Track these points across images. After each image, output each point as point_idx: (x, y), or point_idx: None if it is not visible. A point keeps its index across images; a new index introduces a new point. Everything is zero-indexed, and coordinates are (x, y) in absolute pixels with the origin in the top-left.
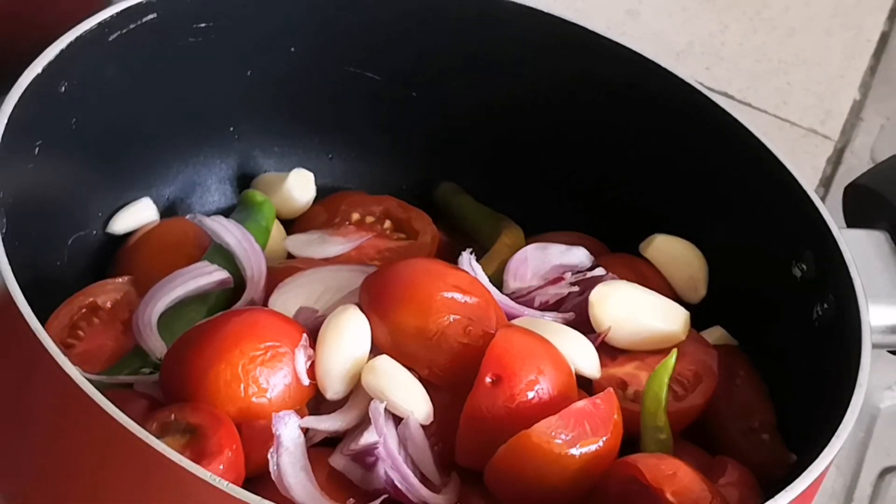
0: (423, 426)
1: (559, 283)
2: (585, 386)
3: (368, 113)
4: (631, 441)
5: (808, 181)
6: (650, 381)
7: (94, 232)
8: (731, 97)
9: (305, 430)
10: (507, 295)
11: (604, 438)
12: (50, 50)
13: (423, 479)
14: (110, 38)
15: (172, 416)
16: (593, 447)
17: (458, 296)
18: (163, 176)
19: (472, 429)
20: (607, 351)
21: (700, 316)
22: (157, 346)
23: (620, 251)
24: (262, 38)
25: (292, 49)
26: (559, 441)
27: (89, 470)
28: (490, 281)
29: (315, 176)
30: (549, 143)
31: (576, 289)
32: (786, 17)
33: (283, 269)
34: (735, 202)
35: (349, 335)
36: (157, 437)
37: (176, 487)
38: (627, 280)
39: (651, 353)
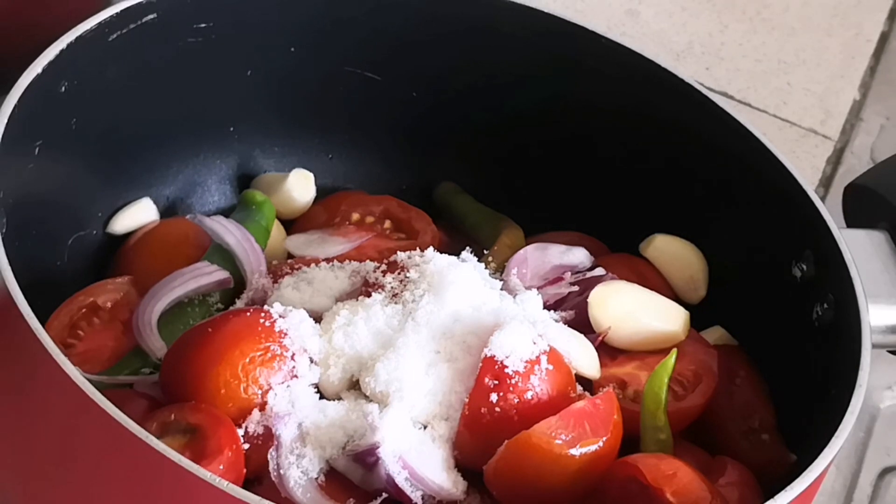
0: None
1: (559, 283)
2: (585, 386)
3: (368, 113)
4: (631, 441)
5: (808, 181)
6: (650, 381)
7: (94, 232)
8: (731, 97)
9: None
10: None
11: (604, 439)
12: (50, 50)
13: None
14: (110, 38)
15: (172, 416)
16: (593, 447)
17: None
18: (163, 176)
19: (472, 429)
20: (607, 351)
21: (700, 316)
22: (157, 346)
23: (620, 251)
24: (262, 38)
25: (292, 49)
26: (559, 441)
27: (89, 470)
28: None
29: (315, 176)
30: (548, 143)
31: (576, 289)
32: (786, 17)
33: (283, 268)
34: (735, 202)
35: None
36: (157, 437)
37: (176, 487)
38: (627, 280)
39: (651, 353)
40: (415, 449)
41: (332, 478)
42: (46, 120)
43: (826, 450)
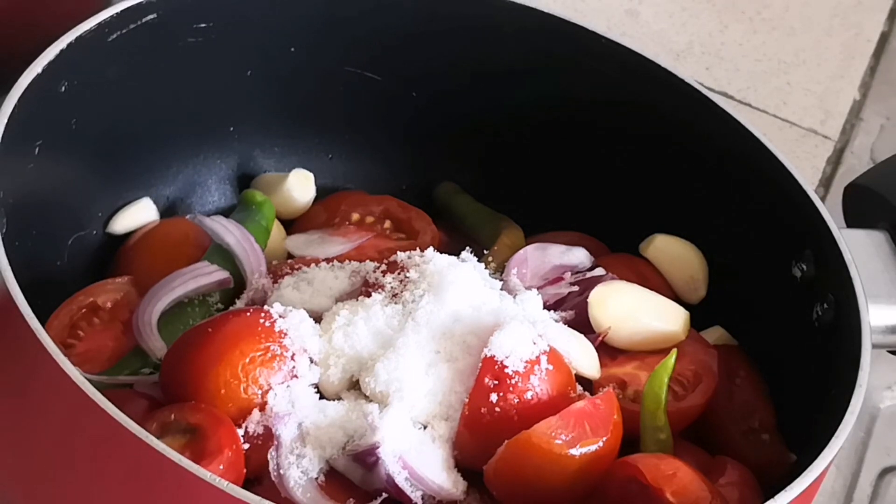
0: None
1: (559, 283)
2: (585, 386)
3: (368, 113)
4: (631, 441)
5: (808, 181)
6: (650, 381)
7: (94, 232)
8: (731, 97)
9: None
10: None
11: (604, 439)
12: (50, 50)
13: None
14: (110, 38)
15: (172, 416)
16: (593, 447)
17: None
18: (163, 176)
19: (472, 429)
20: (607, 351)
21: (700, 316)
22: (157, 346)
23: (620, 251)
24: (262, 38)
25: (292, 49)
26: (559, 441)
27: (89, 470)
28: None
29: (315, 176)
30: (548, 143)
31: (576, 289)
32: (786, 17)
33: (283, 268)
34: (735, 202)
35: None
36: (157, 437)
37: (176, 487)
38: (627, 280)
39: (651, 353)
40: (415, 449)
41: (332, 478)
42: (46, 120)
43: (826, 450)
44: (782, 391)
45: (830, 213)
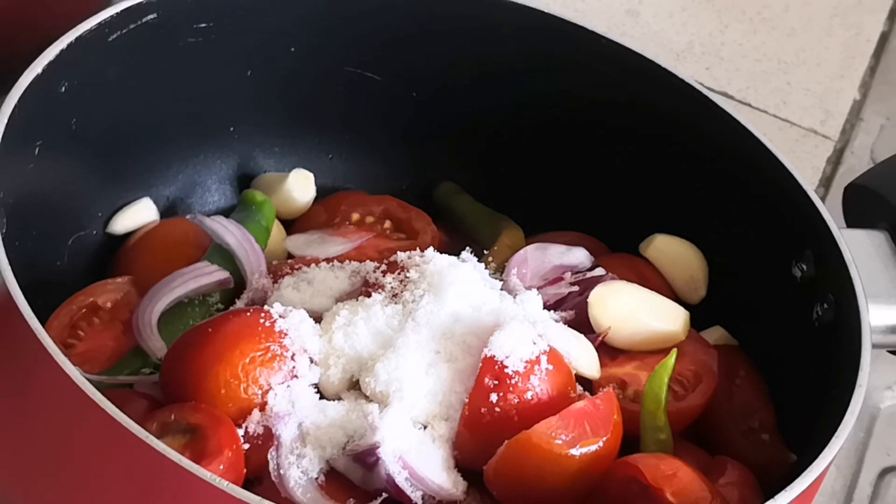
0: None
1: (559, 283)
2: (585, 386)
3: (368, 113)
4: (631, 441)
5: (808, 181)
6: (650, 381)
7: (94, 232)
8: (731, 97)
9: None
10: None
11: (604, 439)
12: (50, 50)
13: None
14: (110, 38)
15: (172, 416)
16: (593, 447)
17: None
18: (163, 176)
19: (472, 429)
20: (607, 351)
21: (700, 316)
22: (157, 346)
23: (620, 251)
24: (262, 38)
25: (292, 49)
26: (559, 441)
27: (89, 470)
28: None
29: (315, 176)
30: (548, 143)
31: (576, 289)
32: (786, 17)
33: (283, 268)
34: (735, 202)
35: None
36: (157, 437)
37: (176, 487)
38: (627, 280)
39: (651, 353)
40: (415, 449)
41: (332, 478)
42: (46, 120)
43: (826, 450)
44: (782, 391)
45: (830, 213)
